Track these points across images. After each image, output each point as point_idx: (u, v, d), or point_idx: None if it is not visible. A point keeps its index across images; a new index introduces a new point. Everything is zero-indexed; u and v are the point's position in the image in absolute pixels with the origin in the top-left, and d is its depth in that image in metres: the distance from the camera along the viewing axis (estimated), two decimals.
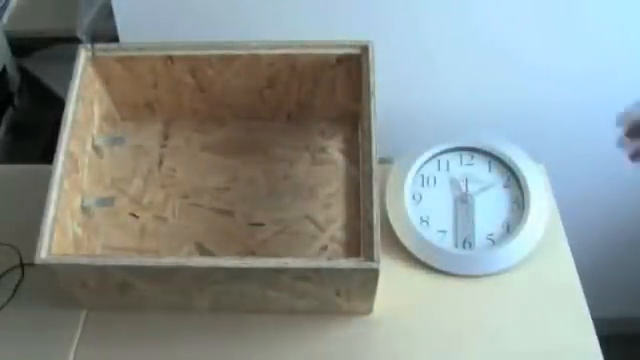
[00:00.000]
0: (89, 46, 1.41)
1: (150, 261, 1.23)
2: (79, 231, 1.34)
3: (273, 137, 1.51)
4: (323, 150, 1.49)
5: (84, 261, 1.21)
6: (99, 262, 1.20)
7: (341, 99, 1.47)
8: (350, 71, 1.40)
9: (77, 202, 1.35)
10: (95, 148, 1.43)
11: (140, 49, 1.42)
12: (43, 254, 1.19)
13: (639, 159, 1.16)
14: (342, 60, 1.40)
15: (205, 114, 1.51)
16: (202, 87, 1.44)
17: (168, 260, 1.19)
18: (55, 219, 1.23)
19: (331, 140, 1.50)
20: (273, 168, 1.47)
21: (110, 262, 1.20)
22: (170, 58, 1.40)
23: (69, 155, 1.30)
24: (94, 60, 1.41)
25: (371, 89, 1.32)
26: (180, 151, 1.50)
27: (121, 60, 1.42)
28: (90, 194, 1.40)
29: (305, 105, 1.50)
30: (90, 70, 1.41)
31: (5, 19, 1.92)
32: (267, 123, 1.52)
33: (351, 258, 1.22)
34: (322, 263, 1.19)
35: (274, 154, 1.49)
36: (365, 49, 1.37)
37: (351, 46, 1.39)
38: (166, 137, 1.52)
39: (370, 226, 1.19)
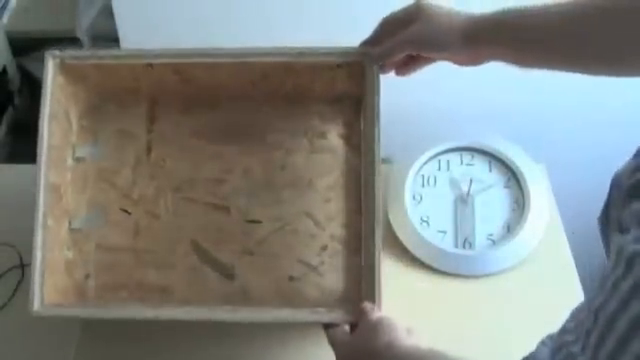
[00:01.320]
0: (57, 52, 1.35)
1: (147, 313, 1.24)
2: (70, 254, 1.34)
3: (269, 120, 1.43)
4: (322, 135, 1.41)
5: (76, 312, 1.25)
6: (92, 313, 1.25)
7: (339, 81, 1.39)
8: (351, 73, 1.35)
9: (64, 228, 1.34)
10: (77, 160, 1.40)
11: (116, 57, 1.36)
12: (36, 306, 1.21)
13: None
14: (342, 66, 1.35)
15: (194, 96, 1.43)
16: (186, 80, 1.39)
17: (166, 312, 1.22)
18: (43, 262, 1.25)
19: (331, 123, 1.42)
20: (270, 157, 1.40)
21: (103, 314, 1.24)
22: (150, 65, 1.35)
23: (50, 188, 1.29)
24: (64, 67, 1.35)
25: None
26: (168, 137, 1.42)
27: (97, 67, 1.36)
28: (76, 212, 1.37)
29: (303, 86, 1.41)
30: (60, 79, 1.35)
31: (5, 19, 1.92)
32: (262, 105, 1.43)
33: (338, 311, 1.24)
34: (317, 316, 1.23)
35: (270, 140, 1.41)
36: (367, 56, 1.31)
37: (352, 54, 1.33)
38: (152, 121, 1.44)
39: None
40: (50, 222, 1.27)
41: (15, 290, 1.42)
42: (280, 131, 1.41)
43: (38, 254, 1.24)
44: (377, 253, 1.17)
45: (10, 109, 1.92)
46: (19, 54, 1.94)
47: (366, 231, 1.25)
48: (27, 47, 1.95)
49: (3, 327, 1.38)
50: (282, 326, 1.34)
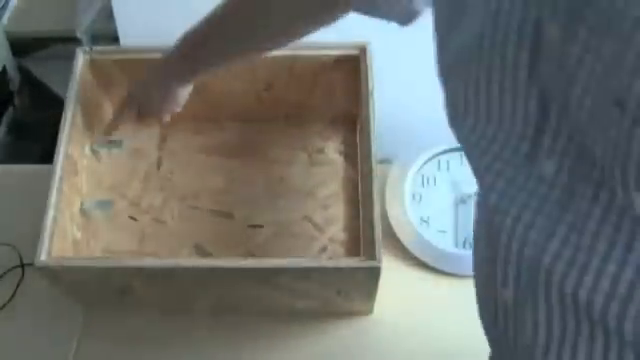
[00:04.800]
0: (87, 48, 1.42)
1: (150, 262, 1.23)
2: (78, 235, 1.35)
3: (271, 138, 1.51)
4: (321, 151, 1.49)
5: (84, 263, 1.22)
6: (99, 264, 1.21)
7: (339, 100, 1.47)
8: (349, 72, 1.40)
9: (76, 205, 1.36)
10: (93, 152, 1.44)
11: (138, 51, 1.43)
12: (43, 257, 1.19)
13: None
14: (341, 61, 1.40)
15: (203, 116, 1.51)
16: (200, 89, 1.43)
17: (168, 261, 1.20)
18: (55, 222, 1.23)
19: (329, 141, 1.50)
20: (271, 170, 1.47)
21: (110, 264, 1.21)
22: None
23: (68, 158, 1.31)
24: (92, 62, 1.41)
25: (370, 89, 1.33)
26: (178, 153, 1.50)
27: (119, 63, 1.43)
28: (89, 197, 1.40)
29: (303, 106, 1.50)
30: (88, 73, 1.41)
31: (5, 19, 1.93)
32: (265, 125, 1.52)
33: (352, 257, 1.23)
34: (323, 263, 1.19)
35: (272, 156, 1.49)
36: (364, 50, 1.38)
37: (350, 47, 1.39)
38: (164, 140, 1.52)
39: (371, 225, 1.19)
40: (65, 188, 1.29)
41: (15, 290, 1.41)
42: (281, 147, 1.50)
43: (51, 210, 1.24)
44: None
45: (10, 109, 1.93)
46: (19, 54, 1.94)
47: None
48: (27, 47, 1.96)
49: (3, 327, 1.38)
50: (283, 327, 1.35)
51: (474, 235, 0.92)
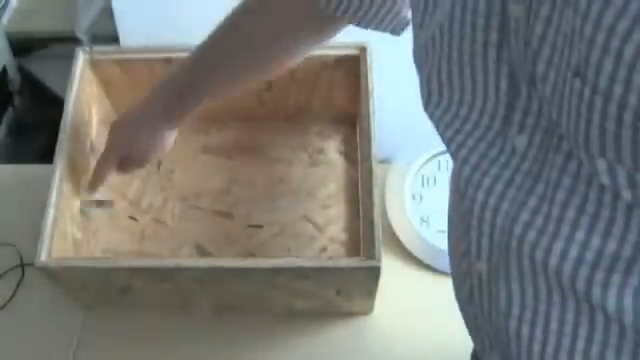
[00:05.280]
0: (87, 48, 1.42)
1: (150, 262, 1.24)
2: (78, 235, 1.35)
3: (271, 138, 1.52)
4: (320, 151, 1.49)
5: (84, 263, 1.22)
6: (99, 264, 1.21)
7: (339, 100, 1.48)
8: (349, 72, 1.41)
9: (76, 205, 1.36)
10: (93, 151, 1.44)
11: (138, 51, 1.43)
12: (43, 257, 1.19)
13: None
14: (341, 61, 1.41)
15: (203, 116, 1.49)
16: None
17: (168, 261, 1.20)
18: (55, 222, 1.23)
19: (329, 141, 1.51)
20: (271, 170, 1.47)
21: (111, 264, 1.21)
22: (168, 60, 1.41)
23: (68, 158, 1.31)
24: (92, 62, 1.42)
25: (370, 89, 1.33)
26: (179, 153, 1.49)
27: (119, 63, 1.43)
28: (89, 197, 1.40)
29: (303, 106, 1.50)
30: (88, 72, 1.42)
31: (5, 19, 1.93)
32: (265, 124, 1.52)
33: (352, 257, 1.24)
34: (323, 262, 1.20)
35: (272, 156, 1.50)
36: (364, 50, 1.38)
37: (350, 47, 1.40)
38: None
39: (371, 225, 1.19)
40: (65, 188, 1.29)
41: (15, 290, 1.41)
42: (281, 147, 1.50)
43: (51, 210, 1.24)
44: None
45: (10, 109, 1.93)
46: (19, 54, 1.95)
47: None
48: (27, 47, 1.97)
49: (3, 327, 1.38)
50: (283, 327, 1.35)
51: (449, 214, 0.96)
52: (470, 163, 0.76)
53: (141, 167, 1.34)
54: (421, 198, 1.49)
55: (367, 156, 1.27)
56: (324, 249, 1.37)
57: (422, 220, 1.46)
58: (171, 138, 1.31)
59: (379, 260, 1.16)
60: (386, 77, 1.37)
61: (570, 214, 0.68)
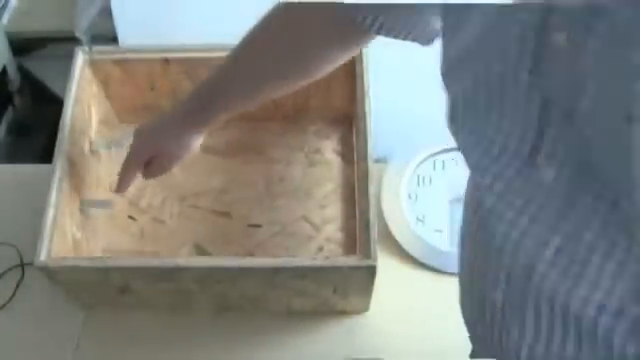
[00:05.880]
0: (86, 48, 1.43)
1: (149, 262, 1.26)
2: (78, 234, 1.35)
3: (270, 138, 1.54)
4: (318, 151, 1.52)
5: (83, 263, 1.23)
6: (98, 264, 1.22)
7: (336, 101, 1.50)
8: (345, 73, 1.41)
9: (76, 205, 1.37)
10: (93, 151, 1.45)
11: (137, 51, 1.45)
12: (43, 257, 1.20)
13: None
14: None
15: None
16: None
17: (168, 261, 1.21)
18: (54, 222, 1.24)
19: (326, 140, 1.53)
20: (270, 170, 1.49)
21: (110, 263, 1.22)
22: (167, 60, 1.43)
23: (68, 158, 1.32)
24: (91, 62, 1.43)
25: (366, 89, 1.35)
26: None
27: (118, 62, 1.44)
28: (89, 197, 1.41)
29: (301, 107, 1.52)
30: (87, 72, 1.43)
31: (5, 19, 1.94)
32: (264, 124, 1.54)
33: (349, 256, 1.25)
34: (320, 262, 1.21)
35: (271, 156, 1.52)
36: (360, 51, 1.39)
37: None
38: None
39: (367, 224, 1.21)
40: (65, 187, 1.30)
41: (15, 290, 1.42)
42: (280, 147, 1.53)
43: (50, 210, 1.25)
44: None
45: (10, 109, 1.93)
46: (19, 54, 1.95)
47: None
48: (27, 47, 1.97)
49: (3, 327, 1.38)
50: (280, 326, 1.36)
51: (461, 232, 0.94)
52: (494, 192, 0.74)
53: (166, 172, 1.34)
54: (417, 198, 1.50)
55: (363, 156, 1.29)
56: (321, 248, 1.39)
57: (418, 219, 1.48)
58: (197, 142, 1.31)
59: (375, 259, 1.17)
60: (382, 78, 1.38)
61: (596, 259, 0.65)
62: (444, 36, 0.82)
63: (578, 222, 0.66)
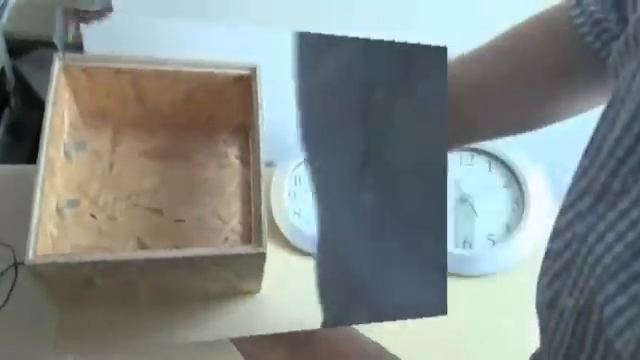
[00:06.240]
0: (60, 54, 1.55)
1: (100, 256, 1.38)
2: (55, 232, 1.53)
3: (191, 144, 1.72)
4: (225, 156, 1.71)
5: (55, 259, 1.33)
6: (76, 259, 1.36)
7: (238, 113, 1.70)
8: (244, 89, 1.63)
9: (53, 204, 1.54)
10: (66, 153, 1.64)
11: (99, 60, 1.58)
12: (30, 255, 1.27)
13: None
14: (237, 79, 1.65)
15: (142, 124, 1.72)
16: (139, 97, 1.67)
17: (114, 255, 1.37)
18: (39, 221, 1.32)
19: (231, 147, 1.73)
20: (192, 171, 1.68)
21: (85, 258, 1.37)
22: (133, 70, 1.59)
23: (48, 159, 1.46)
24: (65, 68, 1.56)
25: (259, 103, 1.57)
26: (125, 156, 1.69)
27: (84, 70, 1.59)
28: (63, 197, 1.58)
29: (213, 117, 1.73)
30: (62, 78, 1.56)
31: (4, 19, 2.01)
32: (187, 132, 1.73)
33: (245, 245, 1.51)
34: (224, 250, 1.44)
35: (192, 159, 1.71)
36: (254, 70, 1.63)
37: (243, 68, 1.64)
38: (115, 144, 1.72)
39: (259, 218, 1.41)
40: (46, 188, 1.37)
41: (10, 291, 1.45)
42: (199, 152, 1.73)
43: (36, 211, 1.32)
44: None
45: (7, 110, 1.98)
46: (13, 56, 1.99)
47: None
48: (19, 49, 2.03)
49: (2, 327, 1.40)
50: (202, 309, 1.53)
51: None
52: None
53: None
54: (295, 195, 1.69)
55: (257, 160, 1.51)
56: (227, 239, 1.61)
57: (295, 213, 1.67)
58: None
59: (265, 247, 1.34)
60: (273, 94, 1.57)
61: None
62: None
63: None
